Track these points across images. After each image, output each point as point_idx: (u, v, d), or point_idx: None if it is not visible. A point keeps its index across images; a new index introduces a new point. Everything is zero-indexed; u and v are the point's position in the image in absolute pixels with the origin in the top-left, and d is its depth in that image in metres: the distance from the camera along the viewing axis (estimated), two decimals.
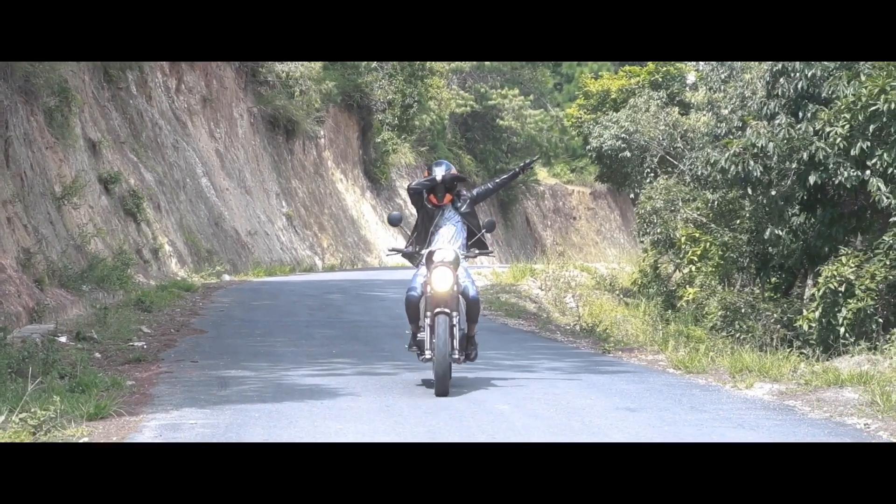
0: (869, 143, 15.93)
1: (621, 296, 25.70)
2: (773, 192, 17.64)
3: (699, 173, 20.71)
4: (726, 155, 17.51)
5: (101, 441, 8.39)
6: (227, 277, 27.79)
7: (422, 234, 11.11)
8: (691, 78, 37.74)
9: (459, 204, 11.22)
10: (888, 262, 15.60)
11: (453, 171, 11.15)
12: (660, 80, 36.70)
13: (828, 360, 13.78)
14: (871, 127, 15.86)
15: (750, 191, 17.90)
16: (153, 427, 8.81)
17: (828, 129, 16.47)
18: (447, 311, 10.38)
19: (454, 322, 10.44)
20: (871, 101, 15.83)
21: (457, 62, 50.58)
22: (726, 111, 22.11)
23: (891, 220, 16.19)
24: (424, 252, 10.89)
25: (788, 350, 14.52)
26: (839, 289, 15.59)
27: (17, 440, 8.13)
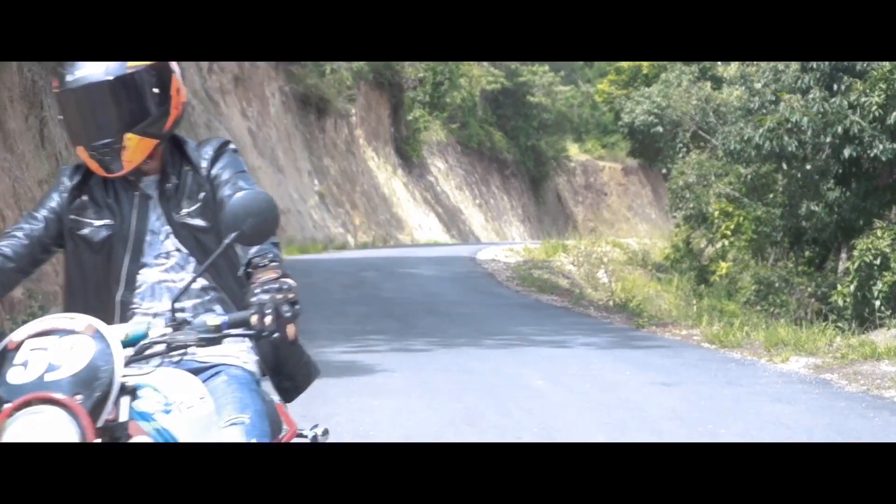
0: None
1: (654, 271, 25.66)
2: (808, 167, 17.55)
3: (732, 148, 20.61)
4: (760, 131, 17.44)
5: None
6: None
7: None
8: None
9: (175, 182, 3.58)
10: None
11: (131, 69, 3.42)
12: None
13: (863, 333, 13.74)
14: None
15: (784, 165, 17.82)
16: None
17: (863, 100, 16.36)
18: None
19: None
20: None
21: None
22: (759, 85, 21.98)
23: None
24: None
25: (824, 324, 14.48)
26: (874, 262, 15.51)
27: None
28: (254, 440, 3.26)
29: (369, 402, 8.93)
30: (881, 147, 16.13)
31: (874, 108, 16.16)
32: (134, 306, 3.41)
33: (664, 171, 34.36)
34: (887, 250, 15.51)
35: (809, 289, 17.65)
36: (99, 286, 3.43)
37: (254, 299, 3.07)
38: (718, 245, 22.66)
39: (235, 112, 33.96)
